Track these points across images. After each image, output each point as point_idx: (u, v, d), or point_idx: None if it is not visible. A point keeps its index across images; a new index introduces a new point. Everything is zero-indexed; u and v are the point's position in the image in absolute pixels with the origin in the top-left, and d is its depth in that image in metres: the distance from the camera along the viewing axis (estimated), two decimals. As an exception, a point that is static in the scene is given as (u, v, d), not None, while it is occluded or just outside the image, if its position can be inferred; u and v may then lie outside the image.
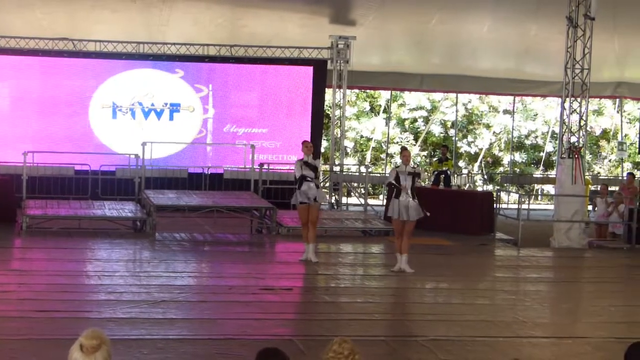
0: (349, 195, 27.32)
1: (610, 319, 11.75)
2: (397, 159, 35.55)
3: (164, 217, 19.17)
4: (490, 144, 36.64)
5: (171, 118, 24.49)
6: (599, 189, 23.90)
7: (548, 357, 9.51)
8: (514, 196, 28.70)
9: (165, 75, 24.47)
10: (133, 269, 14.67)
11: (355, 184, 27.81)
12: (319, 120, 25.60)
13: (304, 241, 15.47)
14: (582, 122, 19.74)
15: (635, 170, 32.86)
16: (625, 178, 24.37)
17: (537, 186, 34.32)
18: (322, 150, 27.41)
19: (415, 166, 15.24)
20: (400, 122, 35.99)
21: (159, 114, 24.40)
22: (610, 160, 36.69)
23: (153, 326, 9.94)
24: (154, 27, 24.50)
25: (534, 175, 34.83)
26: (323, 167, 26.56)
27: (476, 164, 36.27)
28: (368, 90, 34.61)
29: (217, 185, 23.00)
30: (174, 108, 24.48)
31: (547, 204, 32.56)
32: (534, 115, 36.52)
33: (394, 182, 14.32)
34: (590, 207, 23.78)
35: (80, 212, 19.30)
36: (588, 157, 33.56)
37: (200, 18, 24.41)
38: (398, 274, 14.25)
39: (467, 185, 30.74)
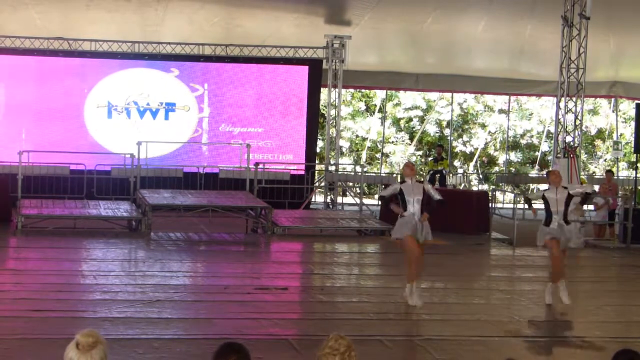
0: (344, 194, 27.32)
1: (605, 318, 11.74)
2: (392, 159, 35.61)
3: (159, 217, 19.17)
4: (486, 143, 36.65)
5: (166, 117, 24.47)
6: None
7: (543, 357, 9.51)
8: (510, 195, 28.73)
9: (160, 75, 24.45)
10: (128, 269, 14.67)
11: (351, 184, 27.81)
12: (315, 119, 25.59)
13: (408, 280, 11.94)
14: (578, 122, 19.75)
15: (631, 169, 32.88)
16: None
17: (532, 186, 34.28)
18: (318, 150, 27.40)
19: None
20: (396, 121, 36.00)
21: (154, 114, 24.37)
22: (605, 160, 36.71)
23: (148, 326, 9.92)
24: (149, 26, 24.49)
25: (529, 175, 34.82)
26: (318, 167, 26.59)
27: (471, 164, 36.28)
28: (363, 90, 34.62)
29: (213, 184, 22.99)
30: (169, 107, 24.45)
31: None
32: (529, 114, 36.55)
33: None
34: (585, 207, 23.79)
35: (76, 211, 19.29)
36: (583, 156, 33.58)
37: (195, 17, 24.41)
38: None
39: (463, 184, 30.76)
